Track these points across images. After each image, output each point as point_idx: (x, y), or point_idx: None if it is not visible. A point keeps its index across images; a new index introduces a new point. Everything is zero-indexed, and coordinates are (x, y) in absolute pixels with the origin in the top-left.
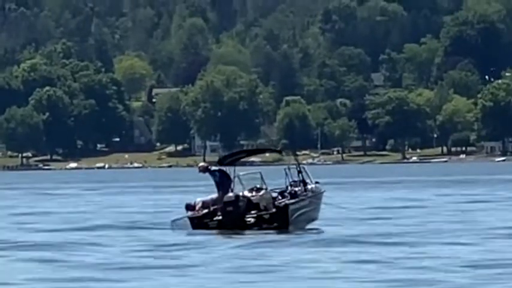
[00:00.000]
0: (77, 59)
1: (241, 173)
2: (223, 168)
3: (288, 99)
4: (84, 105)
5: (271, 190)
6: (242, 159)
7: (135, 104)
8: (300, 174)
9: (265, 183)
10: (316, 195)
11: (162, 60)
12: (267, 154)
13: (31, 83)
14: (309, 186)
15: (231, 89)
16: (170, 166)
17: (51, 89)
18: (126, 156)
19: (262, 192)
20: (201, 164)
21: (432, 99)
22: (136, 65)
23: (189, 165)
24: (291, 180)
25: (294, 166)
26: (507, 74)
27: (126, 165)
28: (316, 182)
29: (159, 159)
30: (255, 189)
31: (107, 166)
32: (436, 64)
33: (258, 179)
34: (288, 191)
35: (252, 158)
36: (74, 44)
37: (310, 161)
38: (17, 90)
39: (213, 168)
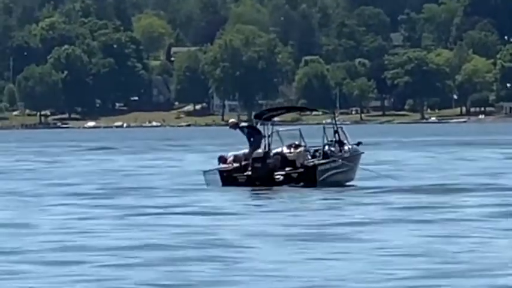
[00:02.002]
0: (96, 18)
1: (280, 129)
2: (253, 124)
3: (307, 58)
4: (103, 63)
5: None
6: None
7: (154, 63)
8: (336, 134)
9: (304, 141)
10: (353, 156)
11: (181, 19)
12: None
13: (50, 41)
14: (346, 147)
15: (250, 49)
16: (189, 125)
17: (69, 48)
18: (143, 115)
19: (299, 149)
20: (231, 120)
21: (451, 59)
22: (155, 23)
23: (207, 124)
24: (328, 140)
25: (331, 126)
26: None
27: (144, 124)
28: (358, 143)
29: (177, 118)
30: (293, 146)
31: (125, 125)
32: (455, 24)
33: (297, 136)
34: (320, 151)
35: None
36: (92, 3)
37: (328, 120)
38: (35, 48)
39: (243, 124)
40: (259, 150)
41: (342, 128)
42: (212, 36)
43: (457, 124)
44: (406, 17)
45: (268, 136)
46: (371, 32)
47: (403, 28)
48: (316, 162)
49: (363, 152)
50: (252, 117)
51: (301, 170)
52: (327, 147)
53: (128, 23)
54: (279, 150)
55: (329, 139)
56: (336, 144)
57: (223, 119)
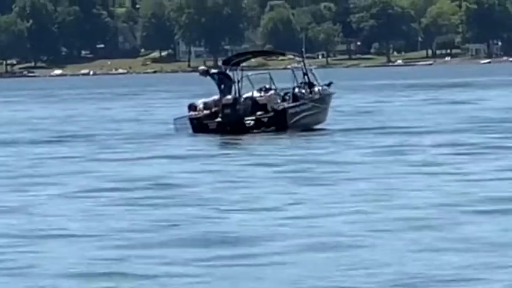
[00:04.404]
0: None
1: (250, 73)
2: (224, 70)
3: (272, 3)
4: (68, 12)
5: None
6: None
7: (119, 10)
8: (306, 76)
9: (274, 84)
10: (323, 98)
11: None
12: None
13: None
14: (316, 89)
15: None
16: (155, 72)
17: None
18: (109, 62)
19: (270, 92)
20: (201, 67)
21: (416, 2)
22: None
23: (173, 71)
24: (297, 82)
25: (300, 69)
26: None
27: (110, 72)
28: (330, 83)
29: (143, 65)
30: (263, 89)
31: (91, 73)
32: None
33: (267, 79)
34: (289, 94)
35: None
36: None
37: (295, 65)
38: None
39: (213, 71)
40: (229, 97)
41: (311, 69)
42: None
43: (423, 67)
44: None
45: (238, 81)
46: None
47: None
48: (286, 105)
49: (334, 93)
50: (220, 63)
51: (272, 114)
52: (297, 90)
53: None
54: (249, 94)
55: (299, 82)
56: (306, 86)
57: (189, 66)
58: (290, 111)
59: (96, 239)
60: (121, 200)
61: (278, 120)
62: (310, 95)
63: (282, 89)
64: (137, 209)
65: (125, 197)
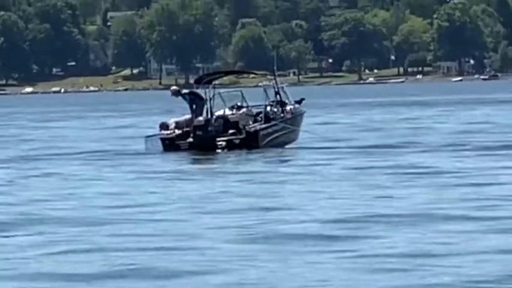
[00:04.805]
0: None
1: (222, 91)
2: (195, 90)
3: (244, 21)
4: (39, 29)
5: (252, 108)
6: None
7: (90, 28)
8: (278, 95)
9: (246, 102)
10: (295, 118)
11: None
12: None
13: None
14: (288, 108)
15: (186, 12)
16: (126, 89)
17: (5, 14)
18: (81, 80)
19: (242, 110)
20: (173, 87)
21: (388, 19)
22: None
23: (145, 89)
24: (269, 101)
25: (272, 87)
26: None
27: (82, 89)
28: (300, 100)
29: (114, 82)
30: (235, 107)
31: (62, 90)
32: None
33: (239, 97)
34: (261, 115)
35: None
36: None
37: (266, 83)
38: None
39: (184, 91)
40: (200, 118)
41: (283, 88)
42: (148, 0)
43: (395, 84)
44: None
45: (210, 99)
46: None
47: None
48: (258, 127)
49: (305, 111)
50: (192, 81)
51: (244, 135)
52: (268, 109)
53: None
54: (221, 112)
55: (270, 100)
56: (278, 105)
57: (160, 83)
58: (262, 132)
59: None
60: None
61: (250, 142)
62: (282, 115)
63: (254, 106)
64: None
65: None
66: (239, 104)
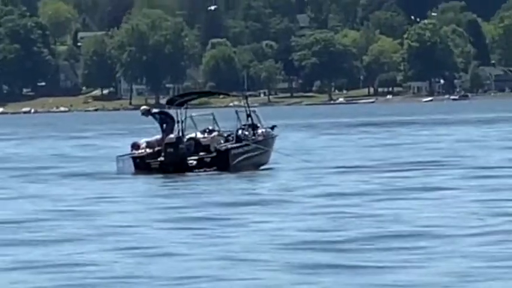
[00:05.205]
0: (2, 4)
1: (194, 114)
2: (166, 110)
3: (214, 41)
4: (9, 49)
5: (223, 132)
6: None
7: (61, 48)
8: (250, 118)
9: (217, 125)
10: (266, 140)
11: (87, 4)
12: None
13: None
14: (260, 131)
15: (157, 32)
16: (96, 110)
17: None
18: (51, 100)
19: (213, 134)
20: (143, 107)
21: (358, 40)
22: (62, 8)
23: (115, 109)
24: (241, 124)
25: (243, 109)
26: (433, 14)
27: (52, 110)
28: (273, 127)
29: (85, 103)
30: (207, 131)
31: (32, 111)
32: (362, 5)
33: (211, 120)
34: (233, 135)
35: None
36: None
37: (236, 103)
38: None
39: (154, 110)
40: (172, 136)
41: (255, 111)
42: (118, 20)
43: (365, 104)
44: None
45: (182, 121)
46: (277, 13)
47: (310, 9)
48: (229, 146)
49: (277, 135)
50: (163, 101)
51: (214, 154)
52: (240, 131)
53: (34, 8)
54: (193, 135)
55: (242, 123)
56: (249, 128)
57: (131, 103)
58: (233, 151)
59: None
60: None
61: (221, 161)
62: (253, 137)
63: (225, 129)
64: None
65: None
66: (210, 127)
